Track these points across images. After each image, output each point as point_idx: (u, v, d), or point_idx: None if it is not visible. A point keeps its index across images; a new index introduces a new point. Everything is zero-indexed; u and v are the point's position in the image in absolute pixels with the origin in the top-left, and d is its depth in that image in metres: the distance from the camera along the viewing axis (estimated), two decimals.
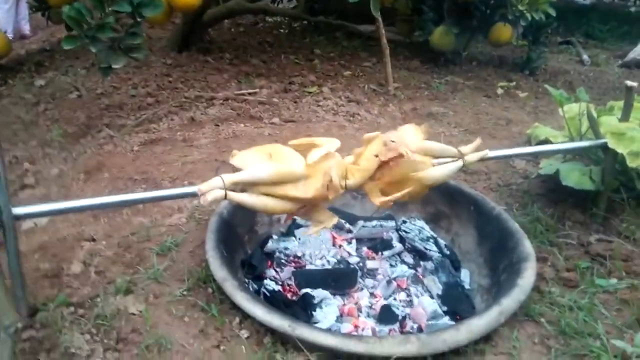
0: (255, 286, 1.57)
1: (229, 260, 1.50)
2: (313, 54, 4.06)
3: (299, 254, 1.71)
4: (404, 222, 1.85)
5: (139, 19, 2.30)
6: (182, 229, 1.75)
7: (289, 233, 1.81)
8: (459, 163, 1.43)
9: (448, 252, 1.75)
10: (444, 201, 1.84)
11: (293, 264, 1.67)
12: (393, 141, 1.34)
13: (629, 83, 1.63)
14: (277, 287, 1.56)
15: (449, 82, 3.68)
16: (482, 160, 1.50)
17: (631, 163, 1.65)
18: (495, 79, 3.82)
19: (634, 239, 1.73)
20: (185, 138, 2.52)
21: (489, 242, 1.68)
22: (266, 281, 1.57)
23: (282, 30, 4.89)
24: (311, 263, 1.68)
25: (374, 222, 1.87)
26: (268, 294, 1.53)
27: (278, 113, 2.89)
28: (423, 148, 1.39)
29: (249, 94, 3.13)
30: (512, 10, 3.51)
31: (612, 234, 1.77)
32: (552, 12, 3.52)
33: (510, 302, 1.30)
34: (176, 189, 1.35)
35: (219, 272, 1.38)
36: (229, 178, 1.26)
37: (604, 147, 1.67)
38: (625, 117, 1.71)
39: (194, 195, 1.27)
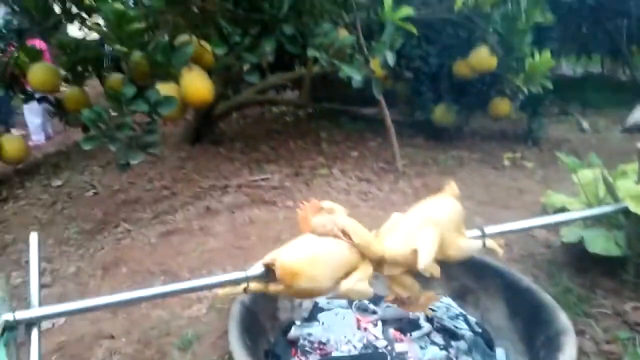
0: None
1: (253, 350, 1.44)
2: (320, 138, 4.18)
3: (324, 340, 1.64)
4: None
5: (155, 117, 2.41)
6: (203, 320, 1.71)
7: (311, 318, 1.76)
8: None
9: (480, 330, 1.67)
10: (468, 275, 1.79)
11: (318, 351, 1.60)
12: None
13: None
14: None
15: (455, 156, 3.75)
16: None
17: None
18: (499, 151, 3.88)
19: None
20: (202, 227, 2.54)
21: (521, 317, 1.61)
22: None
23: (288, 118, 5.09)
24: (337, 349, 1.60)
25: None
26: None
27: (291, 196, 2.92)
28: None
29: (261, 179, 3.19)
30: (509, 85, 3.66)
31: None
32: (549, 85, 3.63)
33: None
34: (199, 279, 1.32)
35: None
36: (254, 287, 1.24)
37: (626, 211, 1.66)
38: None
39: (218, 285, 1.25)
